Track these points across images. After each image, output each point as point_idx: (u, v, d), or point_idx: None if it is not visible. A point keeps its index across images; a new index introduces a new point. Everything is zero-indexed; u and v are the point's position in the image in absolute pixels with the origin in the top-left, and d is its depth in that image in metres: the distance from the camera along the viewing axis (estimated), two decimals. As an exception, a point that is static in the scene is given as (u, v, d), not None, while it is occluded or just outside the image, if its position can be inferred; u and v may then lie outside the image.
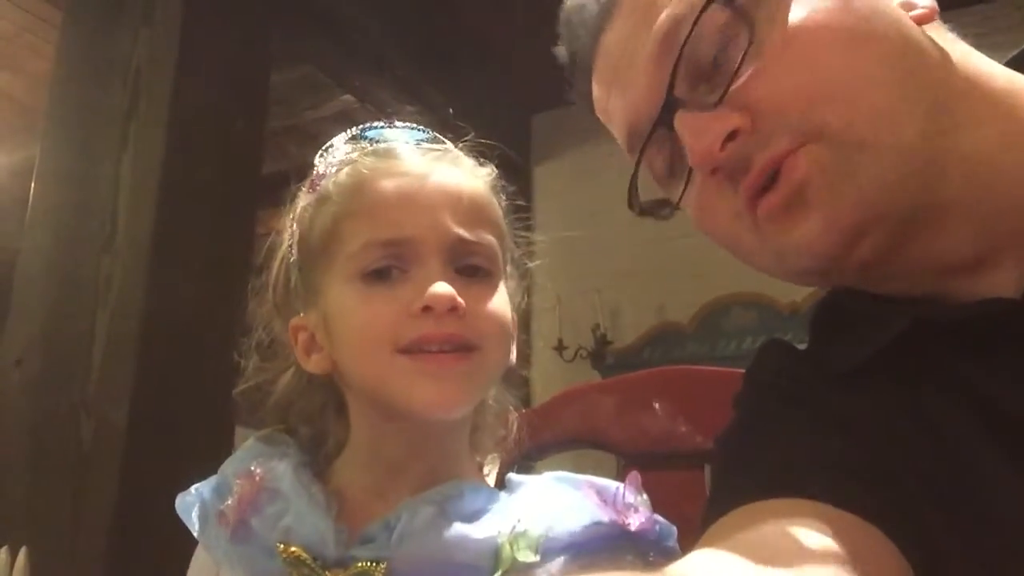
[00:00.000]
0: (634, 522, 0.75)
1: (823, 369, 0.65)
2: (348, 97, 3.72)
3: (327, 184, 0.82)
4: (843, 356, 0.64)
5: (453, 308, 0.73)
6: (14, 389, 2.47)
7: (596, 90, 0.72)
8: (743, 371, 0.73)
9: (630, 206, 0.69)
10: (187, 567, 0.85)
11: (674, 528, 0.78)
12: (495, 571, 0.69)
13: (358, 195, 0.79)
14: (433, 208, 0.76)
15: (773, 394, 0.67)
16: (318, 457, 0.85)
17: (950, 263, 0.60)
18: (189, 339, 2.46)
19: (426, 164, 0.79)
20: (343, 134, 0.86)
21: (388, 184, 0.78)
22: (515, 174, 4.22)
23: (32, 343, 2.48)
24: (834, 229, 0.56)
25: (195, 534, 0.81)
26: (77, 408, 2.33)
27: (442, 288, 0.73)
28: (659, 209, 0.70)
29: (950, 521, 0.54)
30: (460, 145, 0.87)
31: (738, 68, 0.59)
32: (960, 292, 0.61)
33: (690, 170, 0.62)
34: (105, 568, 2.12)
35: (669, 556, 0.74)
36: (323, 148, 0.86)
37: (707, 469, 0.97)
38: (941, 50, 0.61)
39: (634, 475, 0.79)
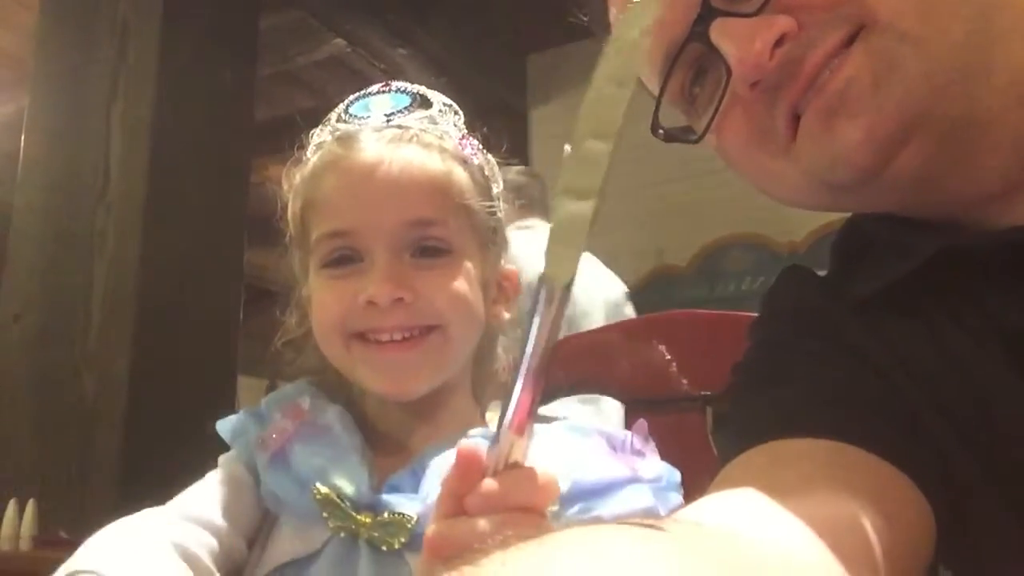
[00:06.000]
0: (643, 469, 0.77)
1: (844, 297, 0.63)
2: (339, 41, 3.66)
3: (302, 170, 0.85)
4: (865, 282, 0.62)
5: (398, 299, 0.76)
6: (15, 344, 2.47)
7: (614, 10, 0.69)
8: (743, 313, 0.73)
9: (653, 132, 0.67)
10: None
11: (677, 473, 0.79)
12: None
13: (314, 187, 0.82)
14: (378, 199, 0.79)
15: (792, 323, 0.66)
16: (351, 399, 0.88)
17: (984, 191, 0.58)
18: (187, 288, 2.46)
19: (381, 150, 0.80)
20: (340, 107, 0.87)
21: (338, 176, 0.80)
22: (510, 118, 4.19)
23: (30, 298, 2.48)
24: (875, 137, 0.55)
25: (229, 442, 0.85)
26: (78, 362, 2.34)
27: (382, 284, 0.76)
28: (684, 135, 0.67)
29: (975, 459, 0.53)
30: (440, 107, 0.85)
31: None
32: (988, 221, 0.59)
33: (723, 90, 0.60)
34: (112, 518, 2.15)
35: (672, 504, 0.76)
36: (323, 122, 0.87)
37: (708, 412, 0.98)
38: None
39: (641, 423, 0.81)
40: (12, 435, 2.39)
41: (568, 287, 0.44)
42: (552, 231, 0.45)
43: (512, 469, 0.49)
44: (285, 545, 0.78)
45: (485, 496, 0.48)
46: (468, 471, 0.49)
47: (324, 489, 0.75)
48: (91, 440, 2.27)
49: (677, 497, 0.77)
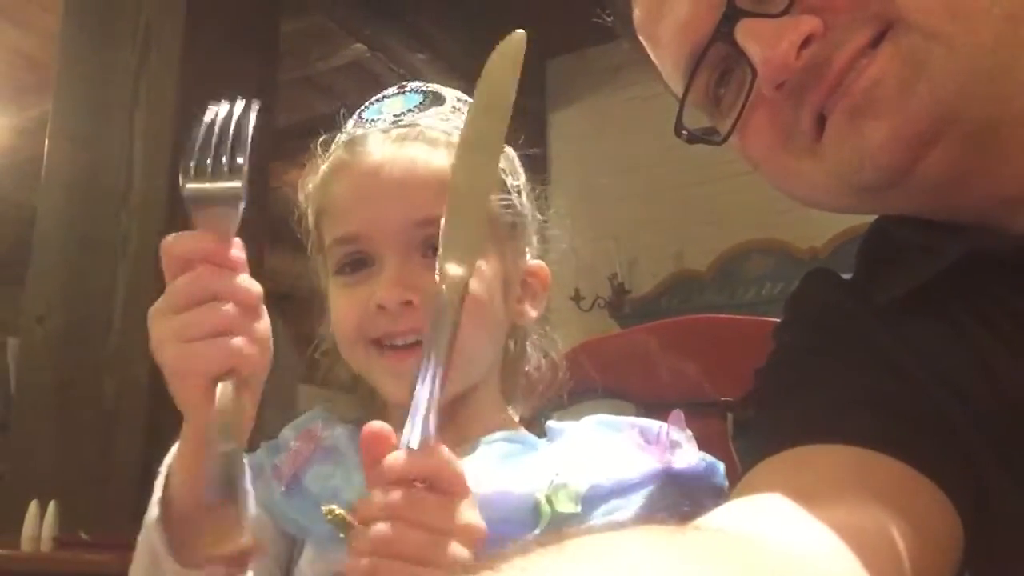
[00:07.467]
0: (678, 460, 0.75)
1: (870, 301, 0.63)
2: (359, 46, 3.67)
3: (314, 178, 0.84)
4: (891, 286, 0.62)
5: (407, 302, 0.75)
6: (38, 346, 2.49)
7: (638, 10, 0.69)
8: (763, 319, 0.72)
9: (677, 133, 0.66)
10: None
11: (720, 464, 0.77)
12: (535, 526, 0.69)
13: (325, 193, 0.82)
14: (384, 200, 0.77)
15: (817, 327, 0.65)
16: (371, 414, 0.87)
17: (1010, 193, 0.57)
18: (208, 294, 2.47)
19: (385, 151, 0.79)
20: (357, 112, 0.86)
21: (345, 181, 0.80)
22: (529, 121, 4.19)
23: (53, 301, 2.50)
24: (902, 136, 0.54)
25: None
26: (100, 364, 2.36)
27: (390, 287, 0.75)
28: (708, 136, 0.67)
29: (1004, 465, 0.52)
30: (454, 103, 0.84)
31: None
32: (1014, 223, 0.58)
33: (748, 91, 0.59)
34: (133, 520, 2.16)
35: (717, 494, 0.74)
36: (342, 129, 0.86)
37: (729, 418, 0.97)
38: None
39: (677, 413, 0.79)
40: (34, 436, 2.41)
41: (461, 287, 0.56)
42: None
43: (423, 446, 0.55)
44: (309, 569, 0.77)
45: (387, 467, 0.54)
46: (375, 446, 0.55)
47: (337, 510, 0.74)
48: (112, 442, 2.28)
49: (718, 488, 0.75)
